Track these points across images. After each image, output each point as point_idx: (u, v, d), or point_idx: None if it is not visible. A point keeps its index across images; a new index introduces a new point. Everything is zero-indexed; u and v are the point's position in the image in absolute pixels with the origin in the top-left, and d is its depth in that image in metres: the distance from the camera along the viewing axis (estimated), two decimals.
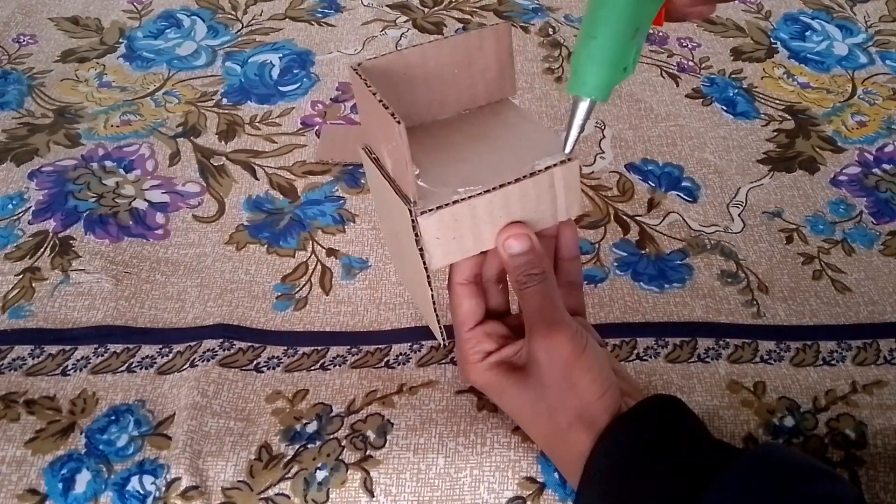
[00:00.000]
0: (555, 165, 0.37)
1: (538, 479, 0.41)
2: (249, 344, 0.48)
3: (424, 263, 0.37)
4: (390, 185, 0.36)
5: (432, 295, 0.38)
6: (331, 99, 0.66)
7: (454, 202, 0.35)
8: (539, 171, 0.37)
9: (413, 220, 0.35)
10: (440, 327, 0.40)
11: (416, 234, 0.36)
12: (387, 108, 0.33)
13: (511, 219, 0.37)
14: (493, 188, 0.36)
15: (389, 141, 0.34)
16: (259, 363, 0.47)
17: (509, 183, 0.36)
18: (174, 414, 0.43)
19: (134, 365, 0.46)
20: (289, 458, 0.42)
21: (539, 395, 0.38)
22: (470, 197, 0.36)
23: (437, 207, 0.35)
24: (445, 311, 0.42)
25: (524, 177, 0.36)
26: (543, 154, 0.37)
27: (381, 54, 0.37)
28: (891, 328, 0.50)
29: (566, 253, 0.43)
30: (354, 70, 0.35)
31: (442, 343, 0.43)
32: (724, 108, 0.67)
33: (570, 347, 0.37)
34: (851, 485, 0.35)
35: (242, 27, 0.74)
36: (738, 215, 0.57)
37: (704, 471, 0.34)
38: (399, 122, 0.32)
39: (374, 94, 0.34)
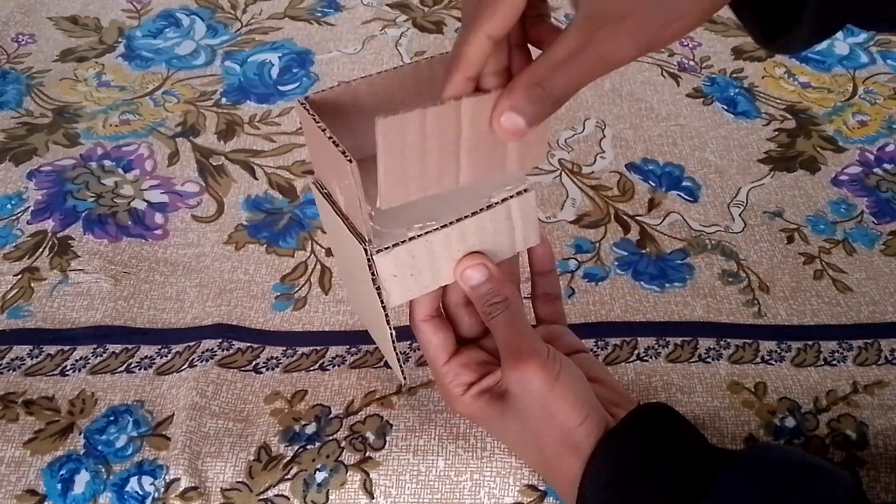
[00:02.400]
0: (511, 197, 0.36)
1: (539, 488, 0.41)
2: (248, 344, 0.47)
3: (382, 302, 0.36)
4: (343, 222, 0.35)
5: (391, 334, 0.37)
6: None
7: (410, 239, 0.35)
8: (495, 203, 0.36)
9: (369, 260, 0.34)
10: (400, 366, 0.39)
11: (373, 274, 0.35)
12: (337, 145, 0.31)
13: (468, 251, 0.37)
14: (450, 223, 0.35)
15: (341, 179, 0.33)
16: (258, 364, 0.46)
17: (465, 217, 0.35)
18: (173, 414, 0.43)
19: (133, 365, 0.46)
20: (288, 459, 0.41)
21: (522, 427, 0.38)
22: (426, 233, 0.35)
23: (393, 245, 0.34)
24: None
25: (480, 210, 0.36)
26: (499, 185, 0.36)
27: (330, 87, 0.35)
28: (892, 328, 0.50)
29: (539, 268, 0.43)
30: (301, 104, 0.34)
31: (402, 381, 0.41)
32: (725, 107, 0.67)
33: (543, 379, 0.35)
34: (847, 475, 0.34)
35: (242, 26, 0.74)
36: (739, 215, 0.57)
37: (698, 479, 0.33)
38: (351, 161, 0.31)
39: (323, 130, 0.32)
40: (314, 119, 0.33)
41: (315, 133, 0.33)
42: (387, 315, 0.36)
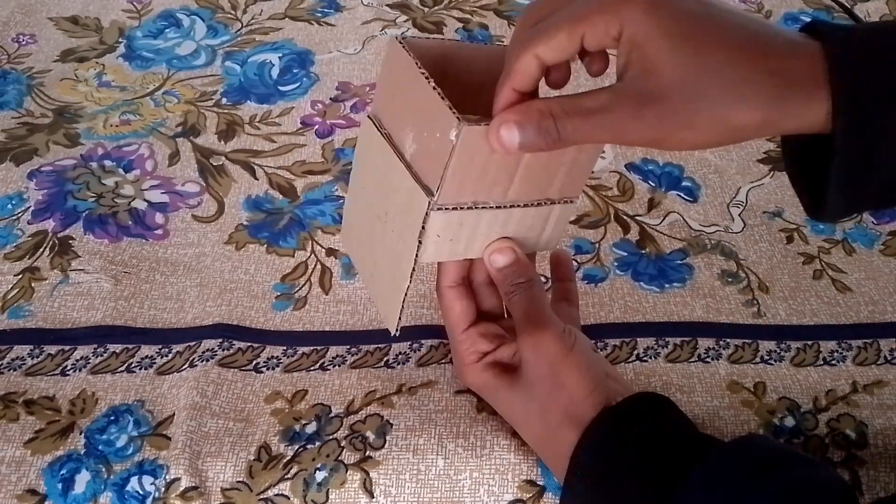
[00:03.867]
0: (559, 202, 0.38)
1: (538, 483, 0.41)
2: (249, 344, 0.48)
3: (417, 255, 0.36)
4: (406, 168, 0.35)
5: (408, 286, 0.38)
6: (330, 98, 0.66)
7: (468, 207, 0.35)
8: (545, 201, 0.37)
9: (427, 213, 0.35)
10: (399, 318, 0.39)
11: (423, 227, 0.35)
12: (444, 98, 0.32)
13: (503, 234, 0.38)
14: (504, 206, 0.36)
15: (427, 129, 0.34)
16: (258, 363, 0.46)
17: (519, 206, 0.37)
18: (173, 414, 0.43)
19: (133, 365, 0.46)
20: (288, 458, 0.42)
21: (530, 396, 0.38)
22: (483, 207, 0.36)
23: (453, 208, 0.35)
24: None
25: (531, 204, 0.37)
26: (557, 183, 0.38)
27: (426, 37, 0.36)
28: (892, 328, 0.50)
29: (561, 275, 0.45)
30: (401, 43, 0.34)
31: (393, 334, 0.41)
32: None
33: (557, 345, 0.37)
34: (836, 473, 0.35)
35: (242, 27, 0.74)
36: (739, 215, 0.57)
37: (687, 460, 0.34)
38: (461, 122, 0.31)
39: (427, 78, 0.33)
40: (417, 64, 0.33)
41: (407, 76, 0.34)
42: (414, 268, 0.37)
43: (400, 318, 0.39)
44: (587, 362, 0.38)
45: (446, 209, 0.35)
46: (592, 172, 0.60)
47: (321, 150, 0.61)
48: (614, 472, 0.35)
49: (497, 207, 0.36)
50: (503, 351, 0.40)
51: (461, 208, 0.35)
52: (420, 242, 0.36)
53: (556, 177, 0.37)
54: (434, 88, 0.33)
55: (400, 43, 0.35)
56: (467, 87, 0.38)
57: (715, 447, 0.35)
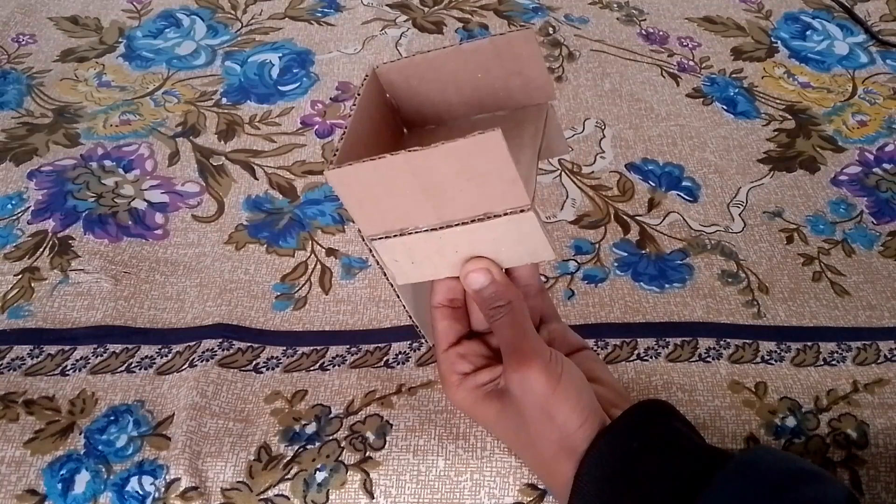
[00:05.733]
0: (505, 214, 0.34)
1: (539, 486, 0.41)
2: (249, 344, 0.47)
3: (388, 278, 0.37)
4: None
5: (404, 305, 0.39)
6: (330, 98, 0.66)
7: (397, 235, 0.35)
8: (488, 216, 0.34)
9: (365, 243, 0.36)
10: (415, 326, 0.41)
11: (371, 254, 0.37)
12: (341, 138, 0.34)
13: (473, 253, 0.37)
14: (442, 227, 0.35)
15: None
16: (258, 363, 0.46)
17: (456, 224, 0.35)
18: (173, 414, 0.43)
19: (133, 365, 0.46)
20: (288, 458, 0.41)
21: (520, 426, 0.38)
22: (416, 232, 0.35)
23: (385, 236, 0.35)
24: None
25: (471, 220, 0.35)
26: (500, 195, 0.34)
27: (402, 57, 0.37)
28: (889, 332, 0.50)
29: (525, 292, 0.43)
30: (375, 72, 0.37)
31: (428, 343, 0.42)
32: (725, 107, 0.67)
33: (544, 380, 0.36)
34: (842, 485, 0.35)
35: (242, 27, 0.74)
36: (739, 215, 0.57)
37: (693, 480, 0.34)
38: (326, 164, 0.33)
39: (350, 115, 0.35)
40: (356, 96, 0.36)
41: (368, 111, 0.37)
42: (395, 290, 0.38)
43: (415, 325, 0.41)
44: (576, 392, 0.36)
45: (379, 238, 0.35)
46: (592, 172, 0.60)
47: (321, 150, 0.61)
48: (618, 495, 0.34)
49: (433, 230, 0.35)
50: (484, 375, 0.39)
51: (392, 236, 0.35)
52: (381, 266, 0.37)
53: (476, 191, 0.33)
54: (344, 128, 0.35)
55: (375, 71, 0.37)
56: (460, 91, 0.38)
57: (719, 469, 0.34)
